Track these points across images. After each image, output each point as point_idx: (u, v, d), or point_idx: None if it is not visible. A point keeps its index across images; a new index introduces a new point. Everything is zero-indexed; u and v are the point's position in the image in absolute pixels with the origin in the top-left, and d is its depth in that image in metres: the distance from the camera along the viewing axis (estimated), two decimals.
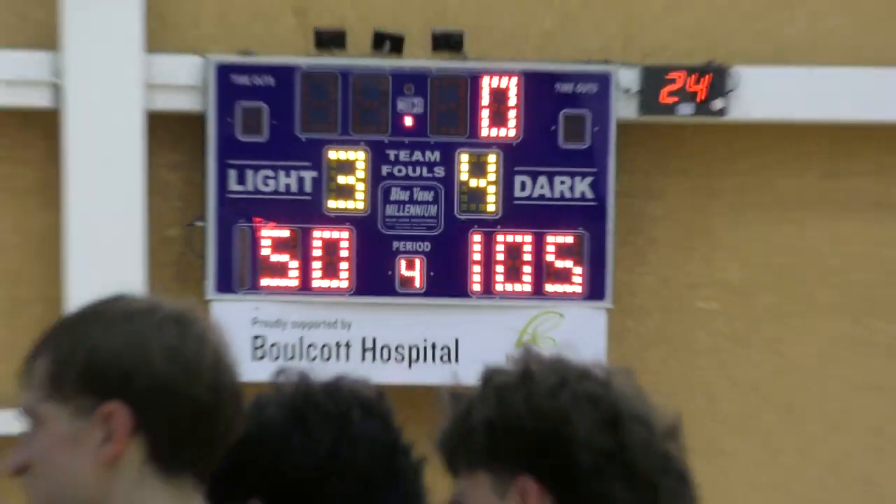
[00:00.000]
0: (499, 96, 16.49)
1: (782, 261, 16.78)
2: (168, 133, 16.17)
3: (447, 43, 15.82)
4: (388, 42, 15.86)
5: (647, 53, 15.92)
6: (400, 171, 16.42)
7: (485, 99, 16.30)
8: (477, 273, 16.32)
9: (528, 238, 16.43)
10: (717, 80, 15.61)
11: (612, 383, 2.53)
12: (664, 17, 16.69)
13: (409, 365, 16.28)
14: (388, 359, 16.55)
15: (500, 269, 16.27)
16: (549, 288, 16.03)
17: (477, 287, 16.30)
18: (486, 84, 16.33)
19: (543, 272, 16.37)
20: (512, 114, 16.12)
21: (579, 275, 16.33)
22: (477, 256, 16.07)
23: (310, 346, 16.08)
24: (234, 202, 15.77)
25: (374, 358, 16.48)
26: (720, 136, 16.41)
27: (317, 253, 15.71)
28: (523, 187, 16.04)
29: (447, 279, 16.37)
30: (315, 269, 15.63)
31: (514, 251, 16.42)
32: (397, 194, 16.47)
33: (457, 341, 16.30)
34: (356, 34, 15.68)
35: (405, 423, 3.60)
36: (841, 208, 16.99)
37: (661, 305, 16.68)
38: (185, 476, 2.74)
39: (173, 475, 2.68)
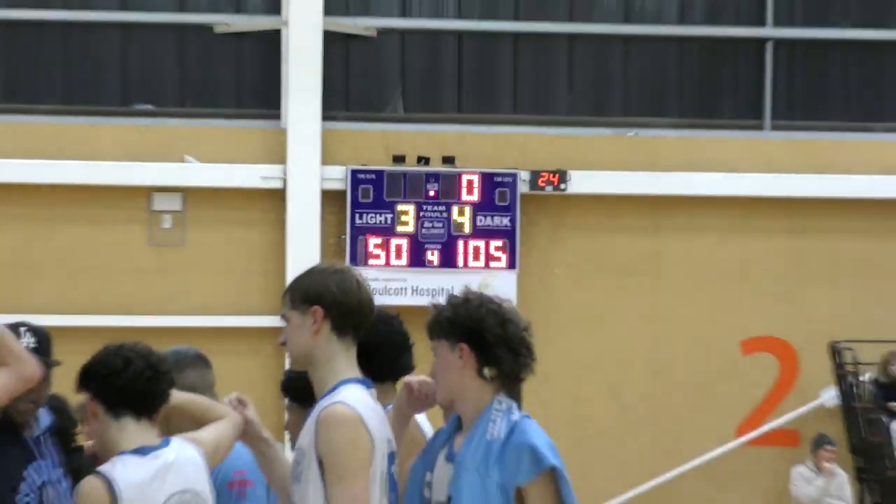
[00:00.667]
0: (469, 185, 27.75)
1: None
2: (330, 201, 26.87)
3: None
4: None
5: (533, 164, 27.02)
6: (424, 211, 27.60)
7: (465, 186, 27.61)
8: (461, 256, 27.55)
9: (483, 243, 27.61)
10: (562, 176, 26.64)
11: (503, 305, 5.52)
12: (542, 146, 27.30)
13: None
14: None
15: (471, 254, 27.55)
16: (492, 264, 27.19)
17: (461, 263, 27.49)
18: (466, 181, 27.71)
19: (489, 258, 27.75)
20: (475, 191, 27.61)
21: (502, 259, 27.68)
22: (461, 248, 27.35)
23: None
24: (358, 228, 27.20)
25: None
26: (562, 201, 27.31)
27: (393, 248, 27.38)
28: (481, 220, 27.45)
29: (448, 260, 27.49)
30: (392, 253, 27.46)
31: (476, 250, 27.53)
32: (427, 222, 27.64)
33: (452, 288, 21.98)
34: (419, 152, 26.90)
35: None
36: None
37: (539, 277, 27.15)
38: (350, 339, 5.85)
39: (343, 338, 5.77)
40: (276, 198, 25.91)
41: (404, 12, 27.81)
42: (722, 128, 28.16)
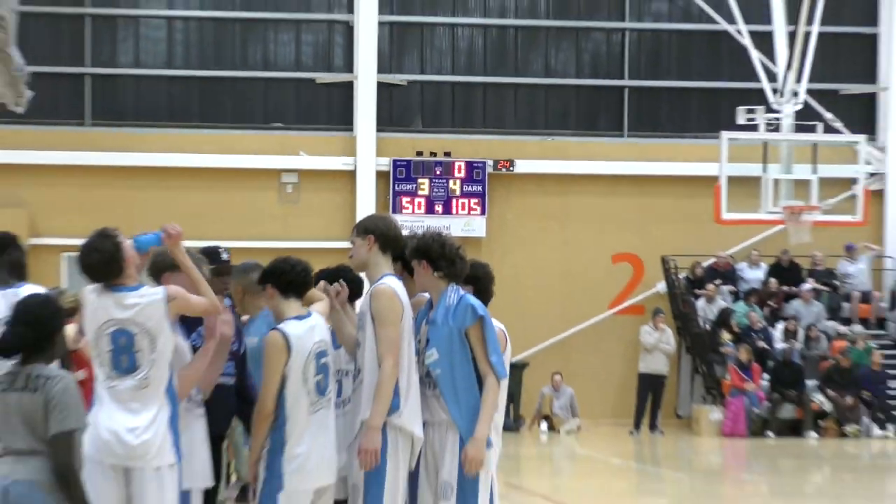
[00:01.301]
0: (459, 168, 35.69)
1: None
2: (381, 178, 35.04)
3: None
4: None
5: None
6: (433, 183, 35.58)
7: (456, 169, 35.62)
8: (454, 208, 35.43)
9: (466, 200, 35.51)
10: (510, 164, 35.00)
11: (443, 235, 10.04)
12: (500, 146, 35.28)
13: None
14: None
15: (460, 207, 35.38)
16: (472, 213, 34.84)
17: (454, 212, 35.29)
18: (457, 166, 35.47)
19: (470, 209, 35.48)
20: (462, 172, 35.43)
21: (477, 210, 35.48)
22: (454, 204, 35.38)
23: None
24: (396, 192, 34.95)
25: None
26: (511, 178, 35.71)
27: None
28: (465, 188, 35.62)
29: (447, 210, 35.57)
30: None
31: (462, 205, 35.71)
32: (435, 189, 35.77)
33: (449, 226, 32.38)
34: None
35: None
36: None
37: (498, 220, 34.71)
38: (388, 254, 9.94)
39: (385, 254, 9.88)
40: (350, 176, 35.68)
41: (423, 71, 36.68)
42: (601, 136, 37.23)
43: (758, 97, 32.94)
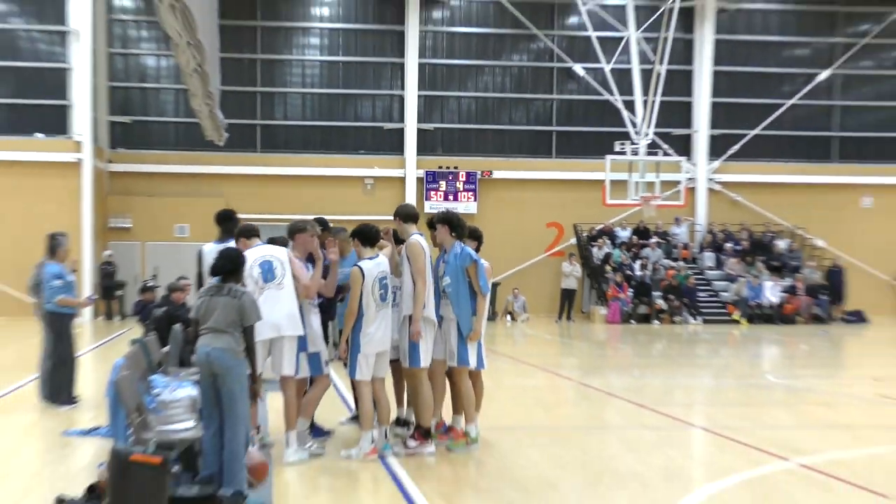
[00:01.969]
0: (461, 176, 33.82)
1: None
2: (419, 182, 33.34)
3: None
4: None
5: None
6: (448, 186, 33.85)
7: (461, 177, 33.91)
8: (461, 199, 33.70)
9: (466, 195, 33.98)
10: (491, 173, 33.27)
11: (457, 213, 10.06)
12: (485, 164, 33.37)
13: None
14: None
15: (462, 198, 33.84)
16: (470, 201, 33.33)
17: (460, 201, 33.53)
18: (461, 174, 34.00)
19: (468, 199, 33.86)
20: (463, 178, 33.76)
21: (471, 199, 33.93)
22: (460, 196, 34.05)
23: None
24: (427, 190, 33.31)
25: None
26: (491, 182, 33.97)
27: None
28: (465, 188, 33.83)
29: (454, 199, 33.64)
30: None
31: (464, 197, 33.85)
32: (448, 188, 33.95)
33: (456, 207, 31.54)
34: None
35: None
36: None
37: (483, 206, 33.33)
38: (414, 224, 9.67)
39: (410, 224, 9.63)
40: (401, 181, 34.61)
41: (442, 122, 35.50)
42: (540, 157, 35.83)
43: (626, 136, 32.23)
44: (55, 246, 12.83)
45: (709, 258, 34.88)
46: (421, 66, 35.11)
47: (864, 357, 22.07)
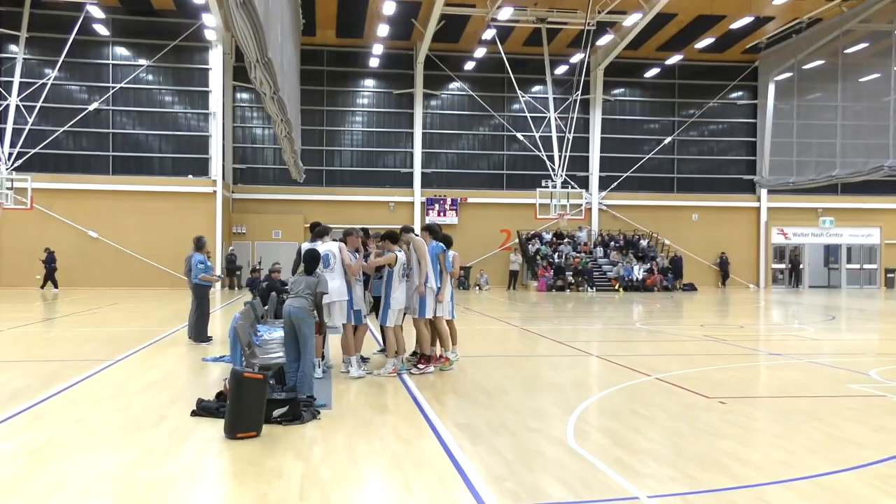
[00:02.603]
0: (447, 202, 36.23)
1: None
2: (422, 206, 37.21)
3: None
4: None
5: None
6: (441, 209, 36.11)
7: (447, 202, 37.94)
8: (446, 216, 32.98)
9: (451, 213, 34.01)
10: (462, 202, 39.10)
11: (437, 224, 9.28)
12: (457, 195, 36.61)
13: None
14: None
15: (447, 215, 33.80)
16: (452, 217, 34.97)
17: (446, 217, 33.38)
18: (447, 201, 37.70)
19: (448, 215, 35.81)
20: (449, 203, 35.67)
21: (454, 216, 33.77)
22: (443, 214, 33.69)
23: None
24: (427, 211, 34.43)
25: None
26: (464, 205, 39.14)
27: None
28: (448, 210, 33.45)
29: (442, 215, 33.18)
30: None
31: (448, 214, 33.20)
32: (439, 210, 33.73)
33: (443, 221, 34.08)
34: None
35: None
36: None
37: (462, 220, 36.09)
38: (413, 231, 13.07)
39: (411, 232, 12.48)
40: (411, 205, 33.82)
41: (437, 167, 34.50)
42: (497, 189, 34.28)
43: (548, 177, 32.39)
44: (200, 243, 12.82)
45: (600, 251, 34.31)
46: (423, 135, 34.73)
47: (694, 312, 21.59)
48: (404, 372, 9.38)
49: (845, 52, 28.62)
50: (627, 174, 35.51)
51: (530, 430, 6.46)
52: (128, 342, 12.10)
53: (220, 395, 7.13)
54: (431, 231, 9.93)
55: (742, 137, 36.58)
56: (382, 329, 9.65)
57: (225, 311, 19.09)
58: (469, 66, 34.30)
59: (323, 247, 9.15)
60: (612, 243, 34.44)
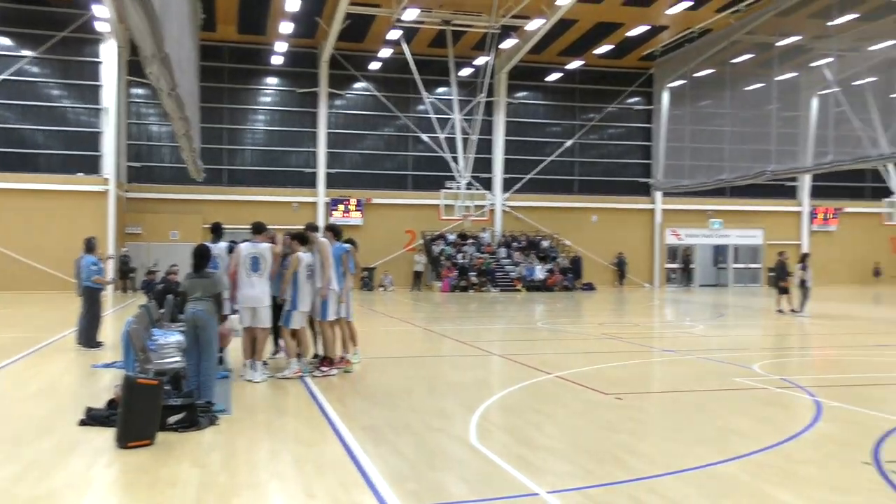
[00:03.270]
0: (361, 203, 37.92)
1: None
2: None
3: None
4: None
5: None
6: (340, 209, 37.94)
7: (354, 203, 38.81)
8: (351, 218, 35.07)
9: (356, 213, 36.13)
10: (366, 202, 39.07)
11: (338, 225, 12.42)
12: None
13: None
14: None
15: (343, 214, 38.08)
16: (357, 218, 37.53)
17: (349, 218, 35.74)
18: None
19: (352, 216, 37.28)
20: (362, 209, 37.09)
21: (359, 217, 35.24)
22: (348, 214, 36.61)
23: None
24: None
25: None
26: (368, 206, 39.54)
27: None
28: (343, 215, 36.99)
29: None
30: None
31: (352, 217, 37.73)
32: (344, 214, 36.44)
33: (349, 221, 35.40)
34: None
35: None
36: None
37: (367, 221, 38.60)
38: (318, 232, 8.83)
39: (317, 232, 12.43)
40: (314, 205, 33.04)
41: (349, 168, 34.01)
42: (403, 190, 34.32)
43: (453, 178, 32.35)
44: (90, 245, 12.50)
45: (503, 252, 34.45)
46: (328, 134, 34.37)
47: (593, 311, 21.93)
48: (307, 375, 9.27)
49: (733, 61, 30.02)
50: (530, 176, 35.88)
51: (433, 430, 6.48)
52: (10, 349, 11.59)
53: (111, 403, 6.93)
54: (335, 231, 9.88)
55: (639, 142, 37.73)
56: (282, 331, 9.44)
57: (117, 315, 18.54)
58: (374, 66, 34.20)
59: (257, 248, 9.00)
60: (515, 244, 34.59)
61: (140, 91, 32.60)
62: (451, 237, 34.82)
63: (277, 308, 9.29)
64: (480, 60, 31.93)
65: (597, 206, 36.41)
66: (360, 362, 9.98)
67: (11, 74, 29.51)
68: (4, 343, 12.58)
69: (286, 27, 29.32)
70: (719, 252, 38.24)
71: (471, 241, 34.71)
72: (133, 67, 30.17)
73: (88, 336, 11.99)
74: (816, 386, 8.71)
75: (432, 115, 33.19)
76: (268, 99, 34.43)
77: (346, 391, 8.38)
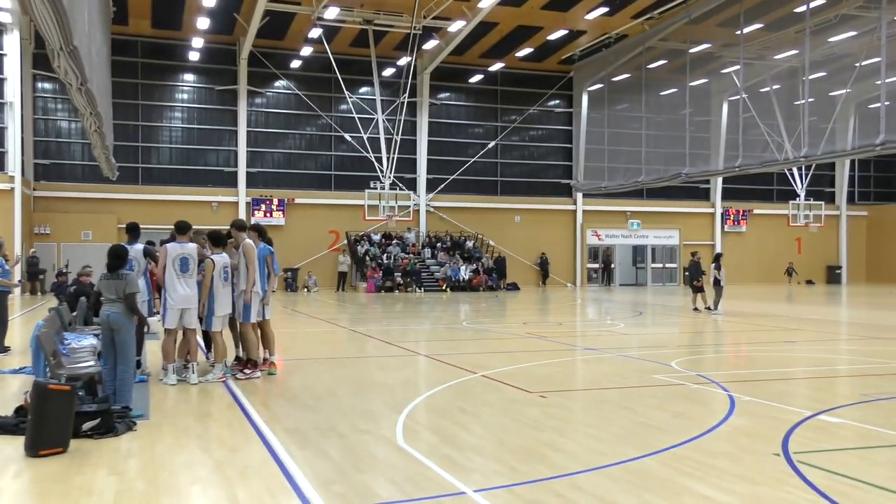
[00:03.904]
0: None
1: None
2: None
3: None
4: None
5: None
6: (262, 209, 37.31)
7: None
8: (273, 218, 35.95)
9: (278, 213, 36.65)
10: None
11: (262, 226, 13.66)
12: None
13: None
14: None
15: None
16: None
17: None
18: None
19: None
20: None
21: (282, 217, 38.36)
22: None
23: None
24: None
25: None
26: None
27: None
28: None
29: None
30: None
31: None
32: (267, 213, 38.44)
33: (270, 222, 35.20)
34: None
35: None
36: None
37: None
38: (244, 232, 8.69)
39: (243, 232, 8.60)
40: (235, 205, 32.59)
41: (273, 167, 33.48)
42: (327, 190, 34.01)
43: (377, 178, 32.49)
44: None
45: (428, 252, 34.57)
46: (248, 133, 33.99)
47: (517, 311, 22.08)
48: (230, 377, 9.16)
49: (648, 67, 31.16)
50: (454, 177, 36.31)
51: (360, 431, 6.45)
52: None
53: (19, 410, 6.68)
54: (260, 232, 9.75)
55: (560, 144, 38.53)
56: (209, 334, 9.42)
57: (26, 319, 17.98)
58: (296, 64, 34.07)
59: (185, 249, 8.82)
60: (440, 244, 34.75)
61: (47, 85, 31.73)
62: (376, 237, 34.93)
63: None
64: (403, 61, 32.14)
65: (520, 206, 36.93)
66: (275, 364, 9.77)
67: None
68: None
69: (203, 22, 29.01)
70: (638, 252, 39.30)
71: (395, 241, 34.90)
72: (39, 60, 29.42)
73: None
74: (730, 381, 8.97)
75: (355, 115, 33.31)
76: (185, 96, 33.95)
77: (270, 394, 8.27)
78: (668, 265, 38.89)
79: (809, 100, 23.36)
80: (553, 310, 22.85)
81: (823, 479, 4.96)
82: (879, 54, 20.95)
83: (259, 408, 7.42)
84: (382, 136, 32.59)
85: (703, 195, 39.75)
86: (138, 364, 8.71)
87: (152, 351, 9.88)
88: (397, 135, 31.86)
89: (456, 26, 29.05)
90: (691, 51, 28.00)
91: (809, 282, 39.72)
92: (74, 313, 11.57)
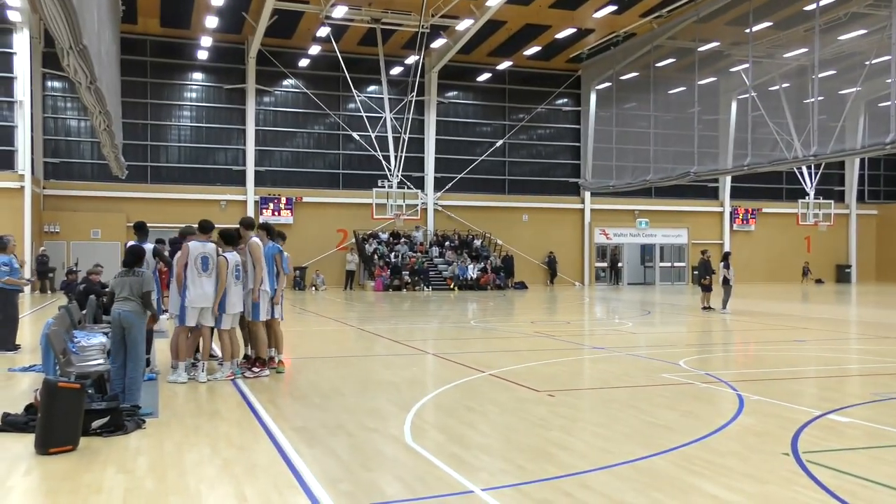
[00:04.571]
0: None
1: None
2: None
3: None
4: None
5: None
6: (270, 208, 36.90)
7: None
8: (281, 216, 36.70)
9: (287, 211, 36.40)
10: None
11: (272, 224, 8.75)
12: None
13: None
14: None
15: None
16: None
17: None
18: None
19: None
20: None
21: (291, 215, 38.11)
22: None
23: None
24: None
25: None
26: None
27: None
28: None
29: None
30: None
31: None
32: (275, 212, 37.20)
33: (278, 220, 34.28)
34: None
35: None
36: None
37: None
38: (252, 230, 8.70)
39: (251, 230, 8.53)
40: (244, 203, 32.61)
41: (280, 166, 33.46)
42: (332, 189, 34.04)
43: (385, 177, 32.04)
44: (4, 243, 11.93)
45: (435, 251, 34.57)
46: (256, 132, 34.00)
47: (525, 309, 22.08)
48: (240, 376, 9.17)
49: (656, 65, 31.02)
50: (461, 175, 36.21)
51: (367, 429, 6.44)
52: None
53: (29, 408, 6.70)
54: (269, 231, 9.75)
55: (568, 142, 38.45)
56: (219, 332, 9.29)
57: (36, 317, 17.96)
58: (304, 63, 34.00)
59: (206, 248, 8.82)
60: (448, 243, 34.73)
61: (57, 84, 31.74)
62: (384, 236, 34.80)
63: None
64: (411, 59, 32.09)
65: (527, 205, 36.84)
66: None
67: None
68: None
69: (211, 21, 29.04)
70: (646, 251, 39.22)
71: (403, 240, 34.76)
72: (49, 59, 29.39)
73: (3, 338, 11.53)
74: (739, 380, 8.94)
75: (363, 114, 33.08)
76: (193, 94, 33.90)
77: (279, 392, 8.26)
78: (676, 264, 38.84)
79: (819, 98, 23.30)
80: (561, 308, 22.86)
81: (832, 479, 4.93)
82: (889, 52, 20.80)
83: (267, 406, 7.42)
84: (390, 135, 32.41)
85: (712, 194, 39.61)
86: (147, 362, 8.71)
87: (161, 349, 9.87)
88: (405, 133, 31.65)
89: (464, 25, 29.01)
90: (700, 49, 27.93)
91: (819, 281, 39.68)
92: (84, 311, 11.57)
